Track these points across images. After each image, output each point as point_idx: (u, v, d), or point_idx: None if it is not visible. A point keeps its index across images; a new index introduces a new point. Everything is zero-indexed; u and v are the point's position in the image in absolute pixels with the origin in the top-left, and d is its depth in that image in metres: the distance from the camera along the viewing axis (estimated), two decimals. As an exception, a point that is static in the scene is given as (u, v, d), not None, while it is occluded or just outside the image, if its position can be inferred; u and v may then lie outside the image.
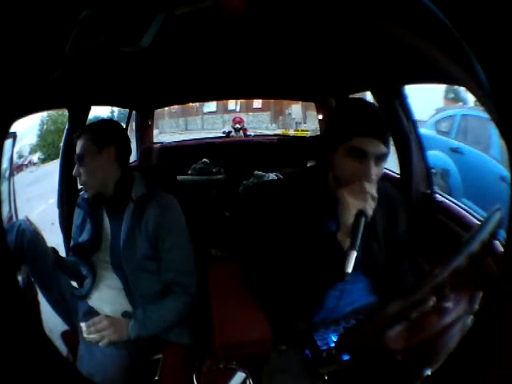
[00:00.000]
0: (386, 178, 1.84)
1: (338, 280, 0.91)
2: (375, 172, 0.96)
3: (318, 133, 3.41)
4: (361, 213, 0.91)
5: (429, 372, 0.64)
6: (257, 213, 1.12)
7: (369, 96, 2.00)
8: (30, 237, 1.24)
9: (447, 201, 1.69)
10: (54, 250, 1.32)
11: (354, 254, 0.87)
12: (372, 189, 0.93)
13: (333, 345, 0.99)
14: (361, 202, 0.91)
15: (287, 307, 1.05)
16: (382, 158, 0.97)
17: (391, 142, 1.01)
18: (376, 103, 1.08)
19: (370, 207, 0.92)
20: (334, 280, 0.94)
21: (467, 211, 1.56)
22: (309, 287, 1.00)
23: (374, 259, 1.08)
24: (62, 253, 1.44)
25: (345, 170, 0.98)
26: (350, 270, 0.86)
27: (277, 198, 1.09)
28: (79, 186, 1.81)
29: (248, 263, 1.15)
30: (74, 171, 1.26)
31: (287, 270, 1.01)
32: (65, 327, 1.33)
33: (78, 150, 1.25)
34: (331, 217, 1.02)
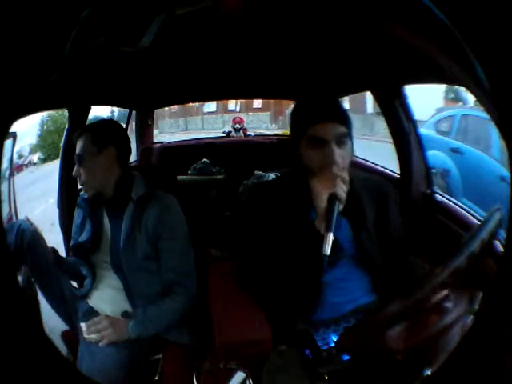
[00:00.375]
0: (385, 178, 1.85)
1: (319, 264, 0.92)
2: (339, 154, 0.98)
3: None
4: (332, 196, 0.94)
5: (429, 372, 0.64)
6: (255, 213, 1.13)
7: (369, 96, 2.00)
8: (30, 237, 1.24)
9: (447, 201, 1.69)
10: (54, 250, 1.32)
11: (330, 236, 0.89)
12: (341, 172, 0.96)
13: (333, 345, 0.99)
14: (331, 187, 0.94)
15: (285, 305, 1.06)
16: (342, 138, 1.00)
17: (352, 121, 1.03)
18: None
19: (341, 190, 0.94)
20: (316, 265, 0.95)
21: (467, 211, 1.56)
22: (302, 281, 1.01)
23: (368, 253, 1.08)
24: (62, 253, 1.44)
25: (311, 160, 1.02)
26: (327, 251, 0.88)
27: (273, 197, 1.10)
28: (79, 186, 1.81)
29: (245, 262, 1.15)
30: (74, 171, 1.26)
31: (281, 267, 1.01)
32: (65, 327, 1.33)
33: (77, 150, 1.25)
34: (313, 208, 1.03)
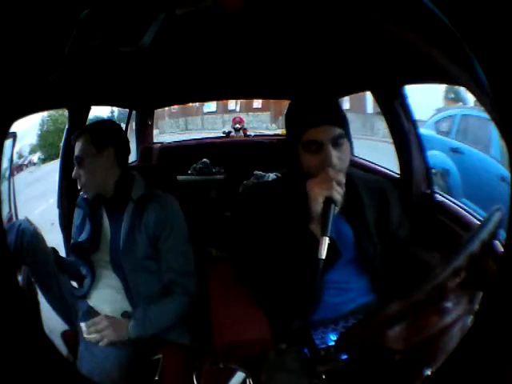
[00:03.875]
0: (385, 178, 1.85)
1: (314, 267, 0.91)
2: (336, 155, 0.96)
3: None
4: (328, 200, 0.92)
5: (429, 372, 0.64)
6: (253, 212, 1.13)
7: (369, 96, 2.00)
8: (30, 237, 1.24)
9: (447, 201, 1.69)
10: (54, 250, 1.32)
11: (325, 240, 0.88)
12: (337, 175, 0.94)
13: (331, 344, 0.99)
14: (326, 190, 0.92)
15: (283, 305, 1.06)
16: (339, 140, 0.97)
17: (347, 119, 1.01)
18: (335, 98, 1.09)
19: (336, 193, 0.93)
20: (311, 268, 0.93)
21: (467, 211, 1.55)
22: (298, 282, 1.00)
23: (367, 254, 1.07)
24: (62, 253, 1.44)
25: (308, 164, 1.00)
26: (323, 255, 0.87)
27: (272, 197, 1.10)
28: (79, 187, 1.80)
29: (243, 262, 1.15)
30: (73, 173, 1.26)
31: (277, 268, 1.01)
32: (65, 327, 1.33)
33: (76, 151, 1.25)
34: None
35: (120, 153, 1.28)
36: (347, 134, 1.00)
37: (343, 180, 0.95)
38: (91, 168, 1.24)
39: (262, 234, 1.07)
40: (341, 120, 0.99)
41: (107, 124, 1.35)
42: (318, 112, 0.98)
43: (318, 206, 0.93)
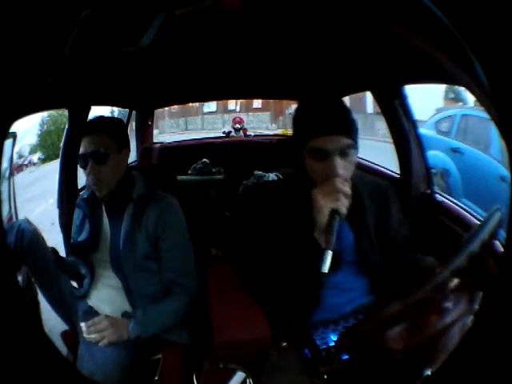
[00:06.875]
0: (385, 178, 1.85)
1: (316, 279, 0.89)
2: (342, 166, 0.94)
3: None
4: (334, 212, 0.91)
5: (429, 372, 0.64)
6: (255, 212, 1.13)
7: (369, 96, 2.00)
8: (30, 237, 1.24)
9: (447, 201, 1.69)
10: (54, 250, 1.31)
11: (329, 254, 0.86)
12: (344, 186, 0.92)
13: (332, 344, 0.99)
14: (333, 202, 0.91)
15: (283, 306, 1.06)
16: (346, 150, 0.95)
17: (357, 128, 0.98)
18: (338, 100, 1.04)
19: (343, 205, 0.91)
20: (314, 277, 0.92)
21: (467, 211, 1.56)
22: (299, 285, 1.00)
23: (368, 257, 1.07)
24: (62, 253, 1.44)
25: (313, 171, 0.99)
26: (326, 269, 0.85)
27: (273, 198, 1.10)
28: (79, 186, 1.81)
29: (244, 262, 1.15)
30: (88, 168, 1.21)
31: (279, 269, 1.01)
32: (65, 327, 1.33)
33: (94, 146, 1.20)
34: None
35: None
36: (355, 143, 0.97)
37: (349, 191, 0.93)
38: (114, 165, 1.22)
39: (263, 236, 1.07)
40: (350, 130, 0.97)
41: (123, 122, 1.33)
42: (329, 121, 0.95)
43: (323, 217, 0.91)
